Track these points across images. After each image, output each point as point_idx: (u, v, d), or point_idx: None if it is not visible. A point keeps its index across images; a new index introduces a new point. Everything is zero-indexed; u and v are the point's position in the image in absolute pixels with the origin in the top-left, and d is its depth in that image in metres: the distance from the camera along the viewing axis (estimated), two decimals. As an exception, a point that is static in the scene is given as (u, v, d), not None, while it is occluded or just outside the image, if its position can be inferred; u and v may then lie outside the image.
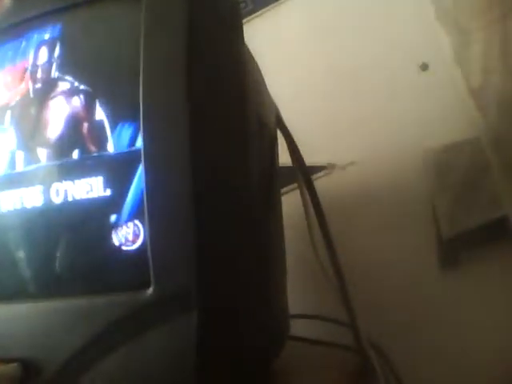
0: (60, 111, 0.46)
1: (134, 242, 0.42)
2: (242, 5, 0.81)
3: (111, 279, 0.43)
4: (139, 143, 0.41)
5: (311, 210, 0.60)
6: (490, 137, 0.72)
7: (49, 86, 0.46)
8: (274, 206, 0.53)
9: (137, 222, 0.42)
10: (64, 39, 0.47)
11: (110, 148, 0.43)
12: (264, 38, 0.76)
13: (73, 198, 0.44)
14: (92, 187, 0.43)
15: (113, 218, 0.43)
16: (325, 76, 0.78)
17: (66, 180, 0.44)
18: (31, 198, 0.45)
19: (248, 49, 0.50)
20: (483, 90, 0.72)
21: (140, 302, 0.41)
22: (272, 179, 0.53)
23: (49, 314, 0.43)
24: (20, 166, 0.46)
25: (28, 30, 0.48)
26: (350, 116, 0.77)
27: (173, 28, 0.42)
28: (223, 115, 0.43)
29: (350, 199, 0.75)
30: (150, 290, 0.40)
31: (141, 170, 0.41)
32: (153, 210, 0.40)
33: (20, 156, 0.47)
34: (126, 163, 0.42)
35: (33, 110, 0.47)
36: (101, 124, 0.44)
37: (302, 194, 0.60)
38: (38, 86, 0.47)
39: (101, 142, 0.43)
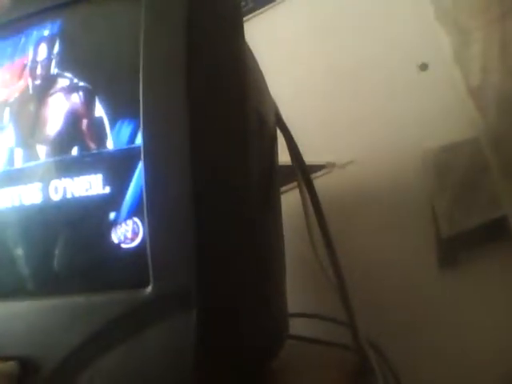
0: (59, 108, 0.46)
1: (133, 239, 0.42)
2: (243, 3, 0.81)
3: (110, 277, 0.43)
4: (139, 140, 0.41)
5: (310, 209, 0.60)
6: (490, 137, 0.72)
7: (48, 82, 0.46)
8: (274, 206, 0.53)
9: (136, 219, 0.42)
10: (63, 36, 0.47)
11: (110, 145, 0.43)
12: (264, 36, 0.76)
13: (72, 195, 0.44)
14: (91, 184, 0.43)
15: (112, 215, 0.42)
16: (324, 75, 0.78)
17: (64, 177, 0.44)
18: (30, 195, 0.45)
19: (248, 47, 0.50)
20: (482, 90, 0.72)
21: (139, 300, 0.40)
22: (272, 178, 0.53)
23: (47, 312, 0.43)
24: (19, 163, 0.46)
25: (27, 26, 0.48)
26: (349, 115, 0.77)
27: (173, 25, 0.41)
28: (223, 112, 0.43)
29: (350, 198, 0.75)
30: (149, 289, 0.40)
31: (140, 167, 0.41)
32: (152, 208, 0.40)
33: (19, 153, 0.46)
34: (126, 160, 0.42)
35: (32, 107, 0.47)
36: (100, 121, 0.43)
37: (301, 192, 0.60)
38: (38, 82, 0.47)
39: (100, 138, 0.43)
